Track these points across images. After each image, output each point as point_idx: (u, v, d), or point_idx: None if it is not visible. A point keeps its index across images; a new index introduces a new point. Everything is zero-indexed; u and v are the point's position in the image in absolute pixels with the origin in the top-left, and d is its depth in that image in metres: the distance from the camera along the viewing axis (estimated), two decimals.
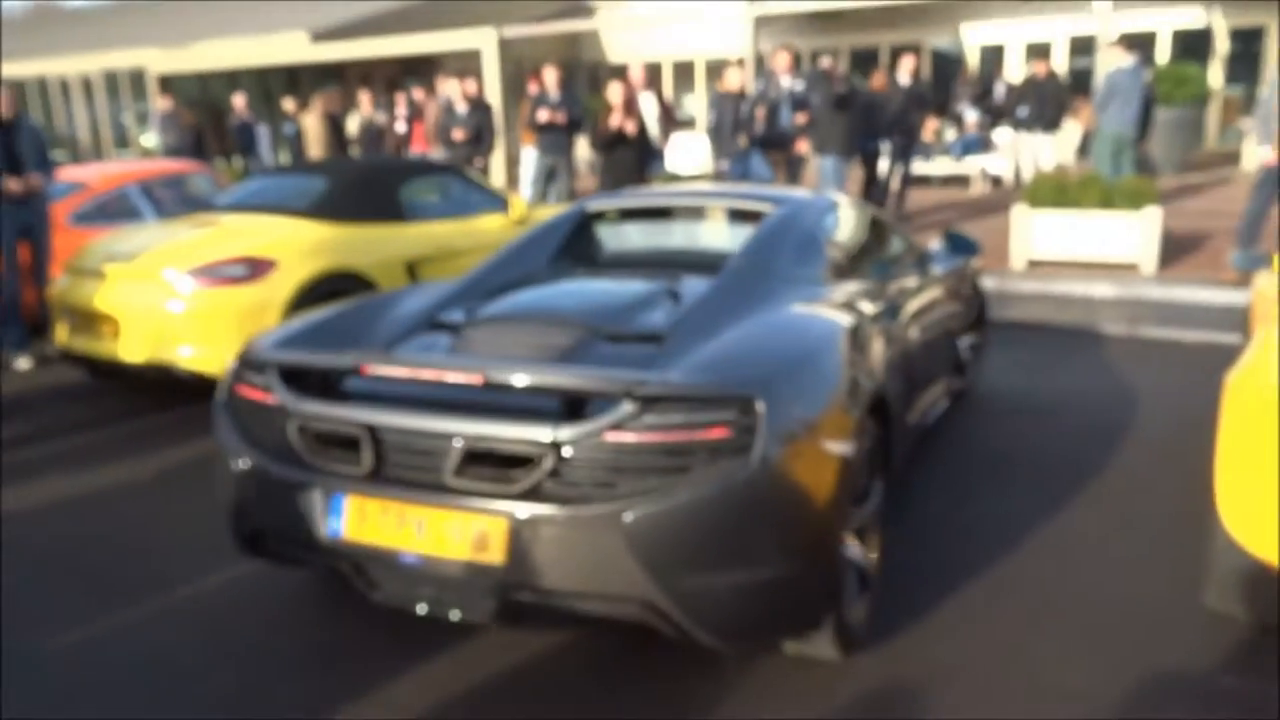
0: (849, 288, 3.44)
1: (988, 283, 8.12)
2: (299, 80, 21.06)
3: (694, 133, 17.05)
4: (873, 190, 10.72)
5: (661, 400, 2.29)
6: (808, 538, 2.44)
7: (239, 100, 15.23)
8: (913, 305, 3.85)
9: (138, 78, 21.78)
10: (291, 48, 19.89)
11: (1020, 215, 8.54)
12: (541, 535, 2.28)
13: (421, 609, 2.50)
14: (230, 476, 2.71)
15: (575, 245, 4.03)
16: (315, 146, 12.08)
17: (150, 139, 16.64)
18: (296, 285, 5.28)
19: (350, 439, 2.52)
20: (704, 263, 3.54)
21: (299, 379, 2.70)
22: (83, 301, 5.37)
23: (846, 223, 4.01)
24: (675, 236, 4.21)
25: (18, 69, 22.92)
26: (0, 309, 6.38)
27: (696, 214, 4.27)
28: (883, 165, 10.96)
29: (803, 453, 2.40)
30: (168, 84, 20.35)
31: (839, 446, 2.53)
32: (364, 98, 12.92)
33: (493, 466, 2.36)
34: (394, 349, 2.81)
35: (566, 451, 2.31)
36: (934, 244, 5.00)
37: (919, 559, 3.43)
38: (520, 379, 2.39)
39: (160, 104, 14.68)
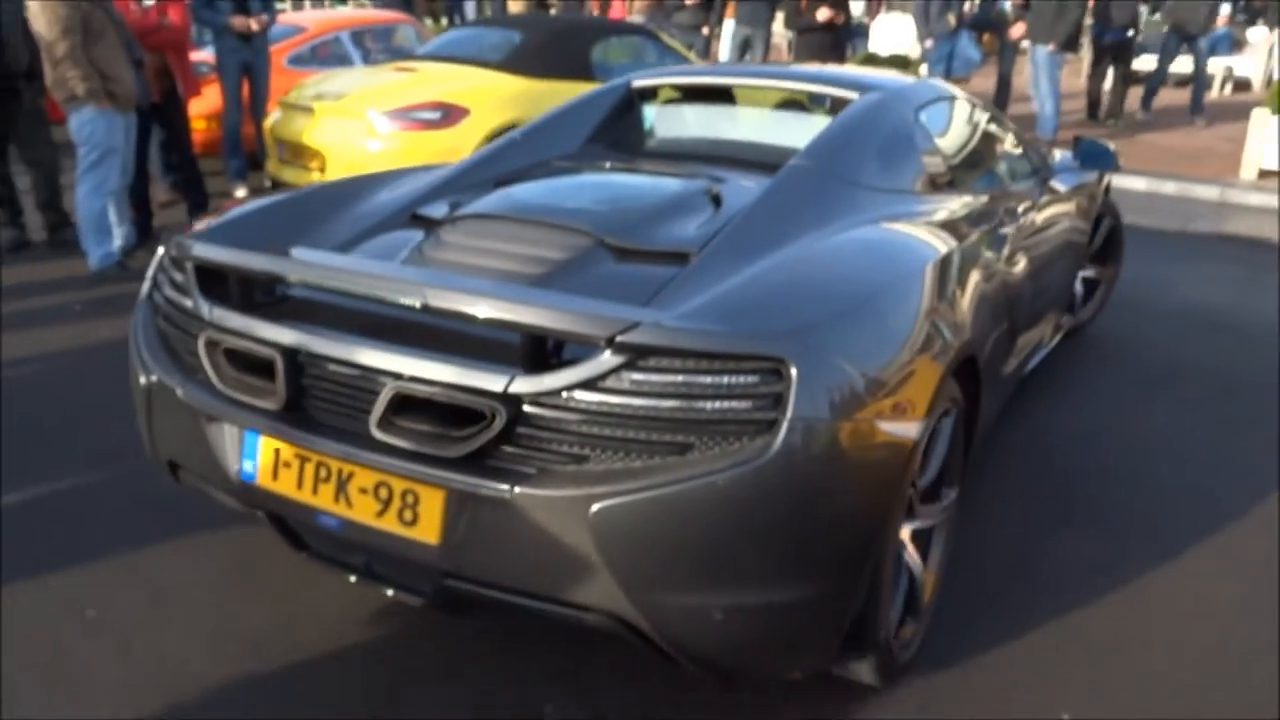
0: (947, 204, 2.75)
1: (1208, 192, 7.45)
2: None
3: (902, 13, 16.08)
4: (1112, 88, 9.81)
5: (656, 352, 1.69)
6: (847, 548, 1.85)
7: None
8: (1025, 228, 3.11)
9: None
10: None
11: (1259, 120, 7.71)
12: (484, 517, 1.76)
13: (352, 578, 2.07)
14: (140, 392, 2.22)
15: (615, 128, 3.39)
16: (515, 5, 12.21)
17: None
18: (487, 133, 5.46)
19: (267, 363, 1.98)
20: (768, 160, 2.86)
21: (224, 282, 2.15)
22: (293, 135, 5.75)
23: (955, 120, 3.31)
24: (740, 125, 3.53)
25: None
26: (223, 140, 6.92)
27: (768, 98, 3.62)
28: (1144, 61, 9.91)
29: (851, 435, 1.77)
30: None
31: (904, 427, 1.90)
32: None
33: (430, 420, 1.82)
34: (349, 249, 2.33)
35: (527, 410, 1.75)
36: (1059, 154, 4.17)
37: (1069, 467, 3.31)
38: (470, 306, 1.78)
39: None
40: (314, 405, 1.97)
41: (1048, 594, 2.54)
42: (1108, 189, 4.47)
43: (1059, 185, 3.74)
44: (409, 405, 1.83)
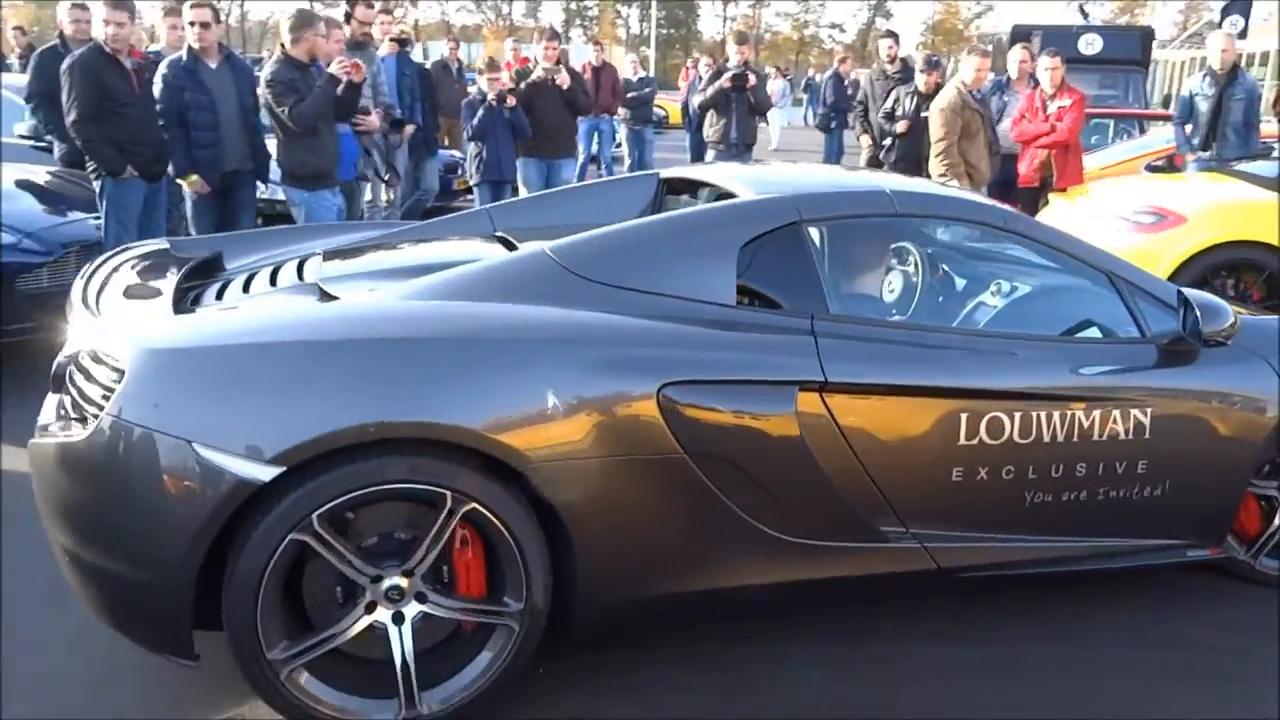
0: (728, 320, 2.52)
1: None
2: None
3: None
4: None
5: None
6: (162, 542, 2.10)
7: None
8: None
9: None
10: None
11: None
12: None
13: None
14: None
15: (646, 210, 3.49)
16: None
17: None
18: (1194, 246, 5.59)
19: None
20: None
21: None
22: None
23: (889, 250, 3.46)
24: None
25: None
26: None
27: (713, 193, 3.30)
28: None
29: (166, 448, 2.02)
30: None
31: (239, 465, 2.01)
32: None
33: None
34: (204, 290, 2.83)
35: None
36: (1148, 306, 2.93)
37: None
38: None
39: None
40: None
41: None
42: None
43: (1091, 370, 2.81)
44: None
